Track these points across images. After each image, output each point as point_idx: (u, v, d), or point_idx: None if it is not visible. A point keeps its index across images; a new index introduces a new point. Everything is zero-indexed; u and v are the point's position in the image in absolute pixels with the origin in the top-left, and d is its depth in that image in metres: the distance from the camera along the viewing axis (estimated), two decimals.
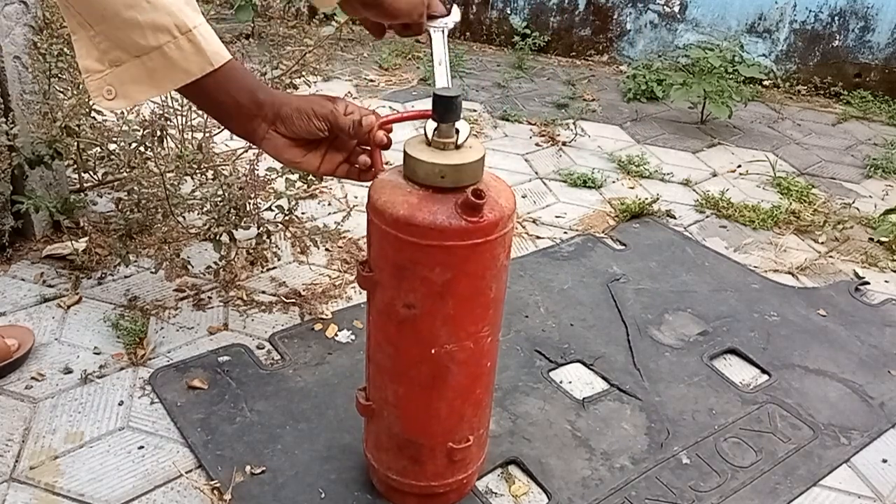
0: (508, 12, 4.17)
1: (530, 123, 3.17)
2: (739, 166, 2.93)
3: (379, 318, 1.18)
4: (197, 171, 1.84)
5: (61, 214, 1.98)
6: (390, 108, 3.20)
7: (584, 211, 2.49)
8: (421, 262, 1.08)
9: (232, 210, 1.75)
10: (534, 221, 2.40)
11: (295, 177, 1.91)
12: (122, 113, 1.83)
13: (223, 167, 1.93)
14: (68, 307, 1.82)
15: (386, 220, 1.07)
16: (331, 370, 1.69)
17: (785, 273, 2.23)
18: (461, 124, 1.08)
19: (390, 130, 1.06)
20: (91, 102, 1.91)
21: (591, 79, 3.83)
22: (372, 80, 3.53)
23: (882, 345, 1.93)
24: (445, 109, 1.06)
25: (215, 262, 1.87)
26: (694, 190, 2.71)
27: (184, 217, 1.86)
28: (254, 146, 1.05)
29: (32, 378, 1.60)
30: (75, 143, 1.89)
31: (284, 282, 1.98)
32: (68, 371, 1.63)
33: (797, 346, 1.89)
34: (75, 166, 2.08)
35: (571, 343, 1.83)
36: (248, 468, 1.42)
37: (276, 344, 1.76)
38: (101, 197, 2.23)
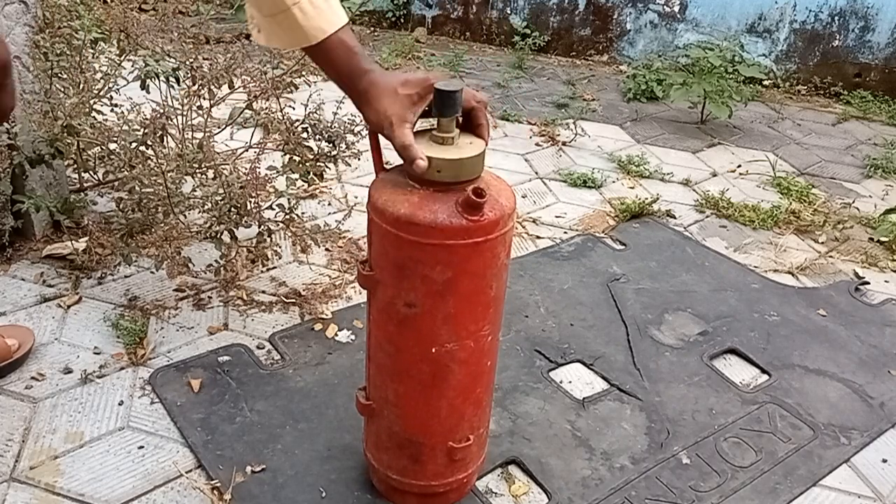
0: (508, 12, 4.17)
1: (530, 123, 3.17)
2: (739, 166, 2.93)
3: (379, 317, 1.18)
4: (197, 171, 1.84)
5: (61, 214, 1.98)
6: None
7: (584, 211, 2.49)
8: (422, 261, 1.08)
9: (233, 209, 1.74)
10: (534, 221, 2.40)
11: (295, 175, 1.91)
12: (123, 112, 1.83)
13: (224, 166, 1.92)
14: (68, 307, 1.82)
15: (387, 219, 1.07)
16: (331, 370, 1.69)
17: (785, 273, 2.23)
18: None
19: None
20: (92, 103, 1.91)
21: (591, 79, 3.83)
22: None
23: (882, 345, 1.93)
24: (446, 104, 1.06)
25: (216, 261, 1.87)
26: (694, 190, 2.71)
27: (184, 216, 1.86)
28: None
29: (32, 378, 1.60)
30: (75, 143, 1.89)
31: (284, 282, 1.98)
32: (68, 371, 1.63)
33: (797, 346, 1.89)
34: (75, 166, 2.08)
35: (571, 343, 1.83)
36: (248, 468, 1.42)
37: (276, 344, 1.76)
38: (102, 197, 2.23)
